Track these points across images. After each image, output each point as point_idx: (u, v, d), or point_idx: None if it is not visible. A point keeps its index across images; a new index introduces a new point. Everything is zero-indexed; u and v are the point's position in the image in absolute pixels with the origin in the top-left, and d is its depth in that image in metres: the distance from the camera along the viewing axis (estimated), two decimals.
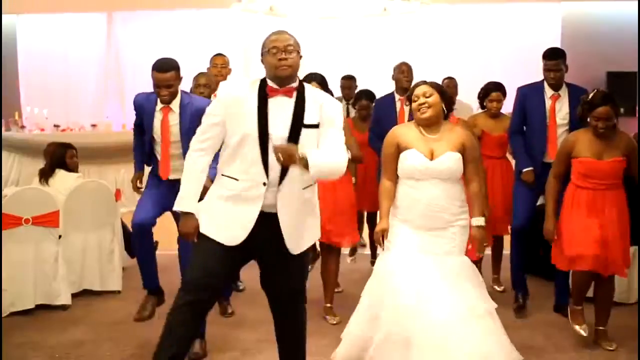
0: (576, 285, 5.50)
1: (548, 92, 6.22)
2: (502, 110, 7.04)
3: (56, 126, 12.65)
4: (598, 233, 5.26)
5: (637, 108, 12.36)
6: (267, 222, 3.98)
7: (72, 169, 7.36)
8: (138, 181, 5.66)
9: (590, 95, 5.35)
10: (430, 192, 4.76)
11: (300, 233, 4.12)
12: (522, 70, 12.20)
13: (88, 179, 7.43)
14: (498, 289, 7.08)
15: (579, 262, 5.28)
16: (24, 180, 9.62)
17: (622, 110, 11.96)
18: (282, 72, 3.92)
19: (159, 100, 5.32)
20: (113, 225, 7.24)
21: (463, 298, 4.74)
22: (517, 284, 6.45)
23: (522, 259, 6.38)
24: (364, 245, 8.36)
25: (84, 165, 8.03)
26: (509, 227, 6.84)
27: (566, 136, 5.68)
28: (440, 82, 5.39)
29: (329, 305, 6.17)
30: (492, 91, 6.96)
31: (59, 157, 7.35)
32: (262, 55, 4.01)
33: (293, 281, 4.23)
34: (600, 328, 5.56)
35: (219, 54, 7.50)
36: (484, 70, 12.26)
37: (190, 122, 4.95)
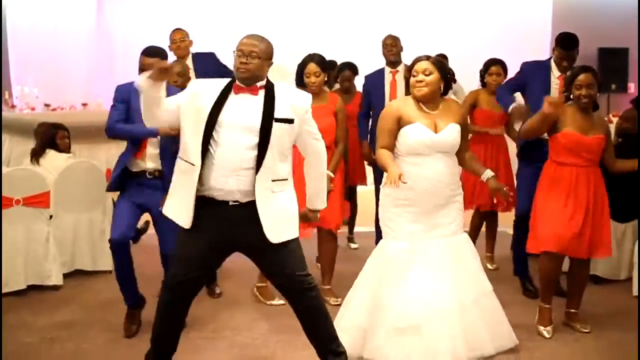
0: (545, 276, 5.39)
1: (555, 72, 6.07)
2: None
3: (47, 105, 12.58)
4: (575, 216, 5.19)
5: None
6: (244, 213, 4.12)
7: (63, 149, 7.33)
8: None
9: (570, 72, 5.35)
10: (435, 167, 4.74)
11: (279, 221, 4.19)
12: (513, 46, 12.19)
13: (79, 159, 7.40)
14: (490, 267, 7.05)
15: (556, 242, 5.21)
16: (14, 160, 9.58)
17: (613, 86, 12.19)
18: (240, 74, 4.14)
19: None
20: (104, 205, 7.21)
21: (469, 281, 4.82)
22: (523, 275, 6.32)
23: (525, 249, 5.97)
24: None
25: (74, 145, 7.99)
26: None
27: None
28: None
29: (327, 287, 6.11)
30: (492, 65, 6.98)
31: (50, 137, 7.32)
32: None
33: (287, 269, 4.26)
34: (572, 311, 5.50)
35: (177, 29, 7.37)
36: (475, 47, 12.25)
37: None
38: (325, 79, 5.97)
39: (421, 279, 4.74)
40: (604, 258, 6.15)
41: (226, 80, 4.23)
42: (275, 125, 4.11)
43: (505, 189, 4.91)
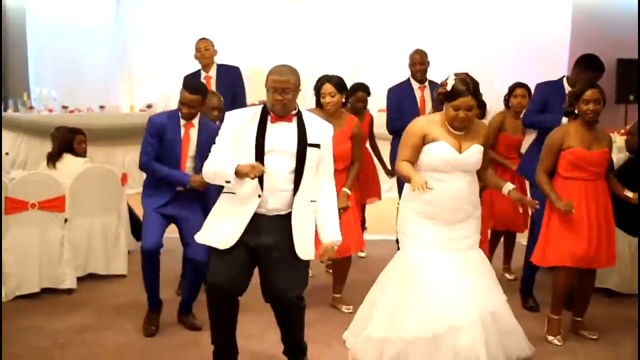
0: (558, 290, 5.47)
1: (568, 89, 6.09)
2: None
3: (64, 107, 12.62)
4: (588, 229, 5.27)
5: None
6: (277, 221, 4.44)
7: (80, 154, 7.38)
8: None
9: (576, 87, 5.45)
10: (457, 184, 4.84)
11: (306, 241, 4.52)
12: (532, 57, 12.17)
13: (94, 164, 7.43)
14: (509, 277, 7.18)
15: (572, 257, 5.29)
16: (32, 162, 9.64)
17: (631, 97, 12.11)
18: (277, 111, 4.42)
19: (180, 116, 5.57)
20: (119, 210, 7.27)
21: (486, 295, 4.86)
22: (527, 292, 6.31)
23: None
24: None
25: (91, 147, 8.03)
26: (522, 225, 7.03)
27: (554, 129, 5.55)
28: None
29: (338, 295, 6.18)
30: (517, 87, 6.97)
31: (67, 142, 7.37)
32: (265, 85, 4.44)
33: (294, 287, 4.54)
34: (578, 319, 5.59)
35: (202, 39, 7.58)
36: (493, 60, 12.24)
37: (206, 142, 5.26)
38: (343, 100, 5.98)
39: (441, 290, 4.77)
40: (618, 272, 6.19)
41: (257, 109, 4.51)
42: (308, 149, 4.44)
43: (528, 198, 5.04)
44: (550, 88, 6.27)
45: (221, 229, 4.46)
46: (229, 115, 4.53)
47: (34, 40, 13.28)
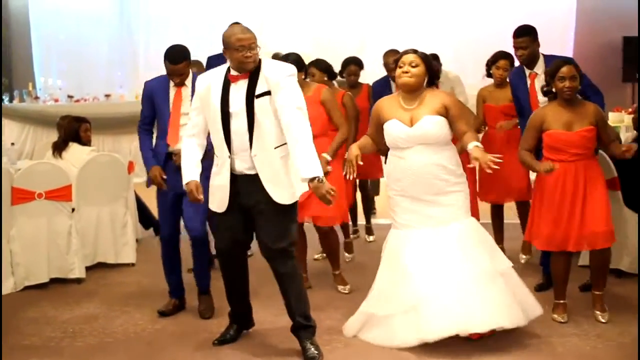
0: (553, 274, 5.48)
1: (527, 72, 6.05)
2: None
3: (70, 97, 12.63)
4: (558, 212, 5.21)
5: None
6: (250, 183, 4.64)
7: (86, 143, 7.39)
8: (160, 174, 5.59)
9: (551, 65, 5.35)
10: (416, 159, 4.88)
11: (282, 186, 4.67)
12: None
13: (101, 153, 7.43)
14: (523, 257, 7.01)
15: (549, 241, 5.29)
16: (38, 152, 9.60)
17: (638, 75, 12.00)
18: (248, 67, 4.60)
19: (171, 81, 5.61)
20: (126, 198, 7.27)
21: (470, 263, 4.86)
22: (543, 266, 6.12)
23: None
24: (356, 231, 8.04)
25: (97, 136, 8.03)
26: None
27: (535, 110, 5.49)
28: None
29: (337, 272, 6.22)
30: (500, 58, 6.89)
31: (73, 131, 7.38)
32: (226, 48, 4.61)
33: (277, 239, 4.72)
34: (596, 293, 5.49)
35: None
36: (496, 37, 12.10)
37: None
38: (303, 77, 5.98)
39: (414, 265, 4.87)
40: (628, 253, 6.15)
41: (222, 70, 4.70)
42: (257, 102, 4.58)
43: (490, 157, 4.68)
44: (514, 75, 6.24)
45: (214, 193, 4.77)
46: (198, 79, 4.75)
47: (38, 30, 13.32)
